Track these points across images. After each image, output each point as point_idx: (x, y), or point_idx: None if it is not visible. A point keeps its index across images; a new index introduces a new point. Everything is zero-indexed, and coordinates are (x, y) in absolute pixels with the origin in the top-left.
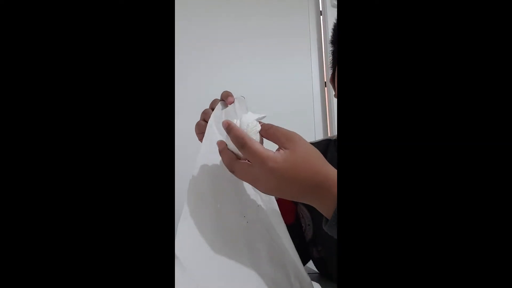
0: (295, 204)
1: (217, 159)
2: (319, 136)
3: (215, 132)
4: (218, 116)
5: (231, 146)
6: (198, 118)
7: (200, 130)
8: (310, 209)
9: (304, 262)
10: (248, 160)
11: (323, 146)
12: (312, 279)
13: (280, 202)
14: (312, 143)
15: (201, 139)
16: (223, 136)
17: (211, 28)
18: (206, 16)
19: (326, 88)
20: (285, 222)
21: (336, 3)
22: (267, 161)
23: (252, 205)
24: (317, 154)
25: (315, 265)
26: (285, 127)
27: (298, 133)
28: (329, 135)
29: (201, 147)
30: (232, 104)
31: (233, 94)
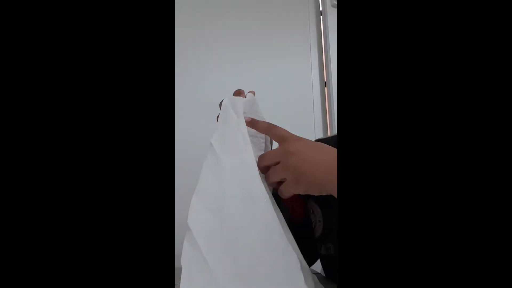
0: (305, 200)
1: (230, 142)
2: (319, 136)
3: (232, 114)
4: (233, 102)
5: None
6: (197, 117)
7: None
8: (321, 205)
9: (313, 261)
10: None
11: (333, 142)
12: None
13: (291, 197)
14: (321, 140)
15: None
16: (239, 115)
17: (211, 28)
18: (206, 16)
19: (326, 88)
20: (295, 219)
21: (336, 3)
22: (294, 137)
23: (257, 193)
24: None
25: (322, 263)
26: (285, 127)
27: (298, 133)
28: (329, 135)
29: (217, 127)
30: (247, 98)
31: (234, 93)
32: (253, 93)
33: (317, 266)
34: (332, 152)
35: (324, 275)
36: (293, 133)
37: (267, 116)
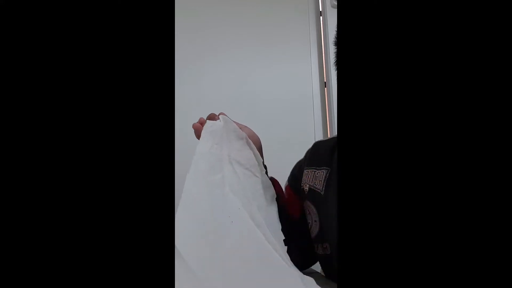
0: (301, 200)
1: (208, 165)
2: (319, 136)
3: (208, 141)
4: (209, 131)
5: None
6: (197, 117)
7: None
8: (317, 204)
9: (312, 262)
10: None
11: (333, 142)
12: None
13: (288, 198)
14: (321, 141)
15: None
16: (219, 144)
17: (211, 29)
18: (206, 17)
19: (326, 88)
20: (292, 216)
21: (336, 3)
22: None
23: (234, 208)
24: None
25: (320, 263)
26: (285, 127)
27: (298, 133)
28: (328, 135)
29: (197, 147)
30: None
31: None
32: (224, 114)
33: (317, 265)
34: None
35: (324, 275)
36: (293, 133)
37: (267, 115)
